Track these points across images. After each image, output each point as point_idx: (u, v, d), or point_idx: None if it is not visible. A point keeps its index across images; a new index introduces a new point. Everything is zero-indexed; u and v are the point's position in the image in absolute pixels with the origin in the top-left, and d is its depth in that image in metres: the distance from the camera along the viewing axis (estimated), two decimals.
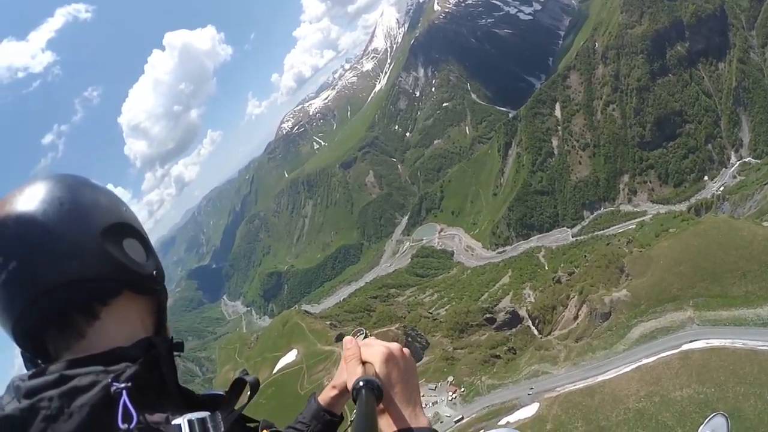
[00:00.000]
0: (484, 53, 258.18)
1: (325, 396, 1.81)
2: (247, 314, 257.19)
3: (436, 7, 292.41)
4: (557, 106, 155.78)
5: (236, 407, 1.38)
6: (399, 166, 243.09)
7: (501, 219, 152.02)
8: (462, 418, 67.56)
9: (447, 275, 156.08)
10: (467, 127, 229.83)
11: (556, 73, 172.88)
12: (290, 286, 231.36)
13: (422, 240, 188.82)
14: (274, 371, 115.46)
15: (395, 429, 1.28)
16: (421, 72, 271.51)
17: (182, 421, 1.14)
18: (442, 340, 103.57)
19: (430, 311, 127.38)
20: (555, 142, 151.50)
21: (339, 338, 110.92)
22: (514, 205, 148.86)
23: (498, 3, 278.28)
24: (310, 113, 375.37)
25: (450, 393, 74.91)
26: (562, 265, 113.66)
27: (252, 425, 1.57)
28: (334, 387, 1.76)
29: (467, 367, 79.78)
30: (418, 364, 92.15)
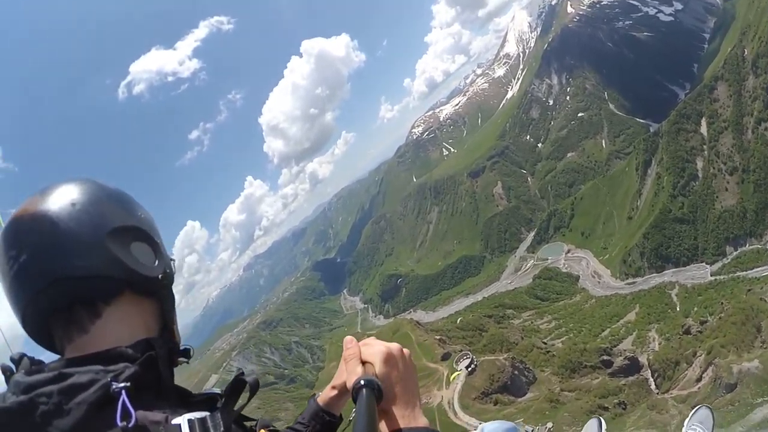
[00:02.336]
0: (622, 59, 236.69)
1: (324, 396, 1.81)
2: (363, 311, 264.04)
3: (570, 9, 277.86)
4: (703, 122, 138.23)
5: (236, 407, 1.39)
6: (529, 179, 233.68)
7: (634, 246, 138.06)
8: None
9: (569, 302, 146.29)
10: (603, 140, 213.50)
11: (701, 83, 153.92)
12: (408, 290, 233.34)
13: (547, 259, 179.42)
14: None
15: (395, 429, 1.29)
16: (555, 79, 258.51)
17: (182, 420, 1.15)
18: (550, 378, 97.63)
19: (545, 341, 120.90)
20: (700, 164, 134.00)
21: (445, 357, 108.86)
22: (650, 233, 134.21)
23: (636, 3, 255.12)
24: (441, 119, 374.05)
25: None
26: (695, 309, 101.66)
27: (249, 424, 1.56)
28: (333, 387, 1.76)
29: (570, 416, 72.58)
30: (520, 399, 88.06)
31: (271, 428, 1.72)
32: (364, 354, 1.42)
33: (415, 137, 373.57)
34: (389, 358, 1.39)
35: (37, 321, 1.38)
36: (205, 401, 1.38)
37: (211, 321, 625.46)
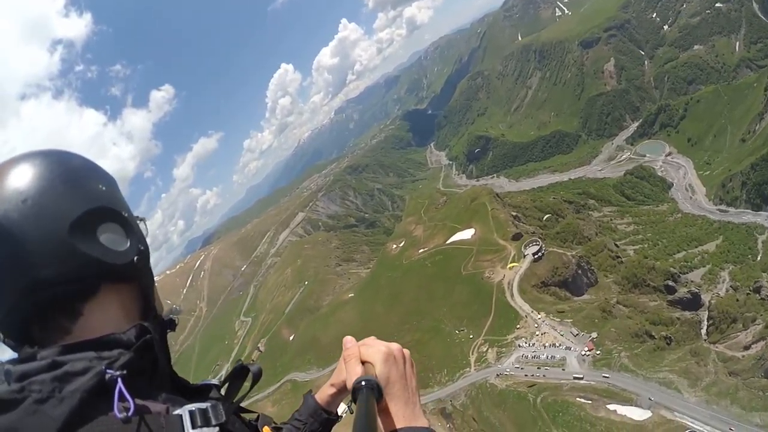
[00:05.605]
0: None
1: (322, 394, 1.84)
2: (447, 167, 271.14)
3: None
4: None
5: (237, 397, 1.46)
6: (646, 62, 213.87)
7: (739, 173, 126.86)
8: (582, 378, 68.22)
9: (654, 209, 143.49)
10: (738, 42, 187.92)
11: None
12: (495, 154, 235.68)
13: (645, 156, 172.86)
14: (448, 241, 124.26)
15: (394, 428, 1.32)
16: None
17: (183, 411, 1.17)
18: (611, 285, 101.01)
19: (618, 244, 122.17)
20: None
21: (516, 237, 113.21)
22: (759, 165, 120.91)
23: None
24: None
25: (586, 349, 74.19)
26: None
27: (248, 417, 1.61)
28: (332, 385, 1.78)
29: (616, 332, 77.02)
30: (576, 299, 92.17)
31: (274, 425, 1.78)
32: (363, 354, 1.48)
33: None
34: (389, 358, 1.45)
35: (11, 329, 1.31)
36: (203, 391, 1.43)
37: (301, 161, 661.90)
